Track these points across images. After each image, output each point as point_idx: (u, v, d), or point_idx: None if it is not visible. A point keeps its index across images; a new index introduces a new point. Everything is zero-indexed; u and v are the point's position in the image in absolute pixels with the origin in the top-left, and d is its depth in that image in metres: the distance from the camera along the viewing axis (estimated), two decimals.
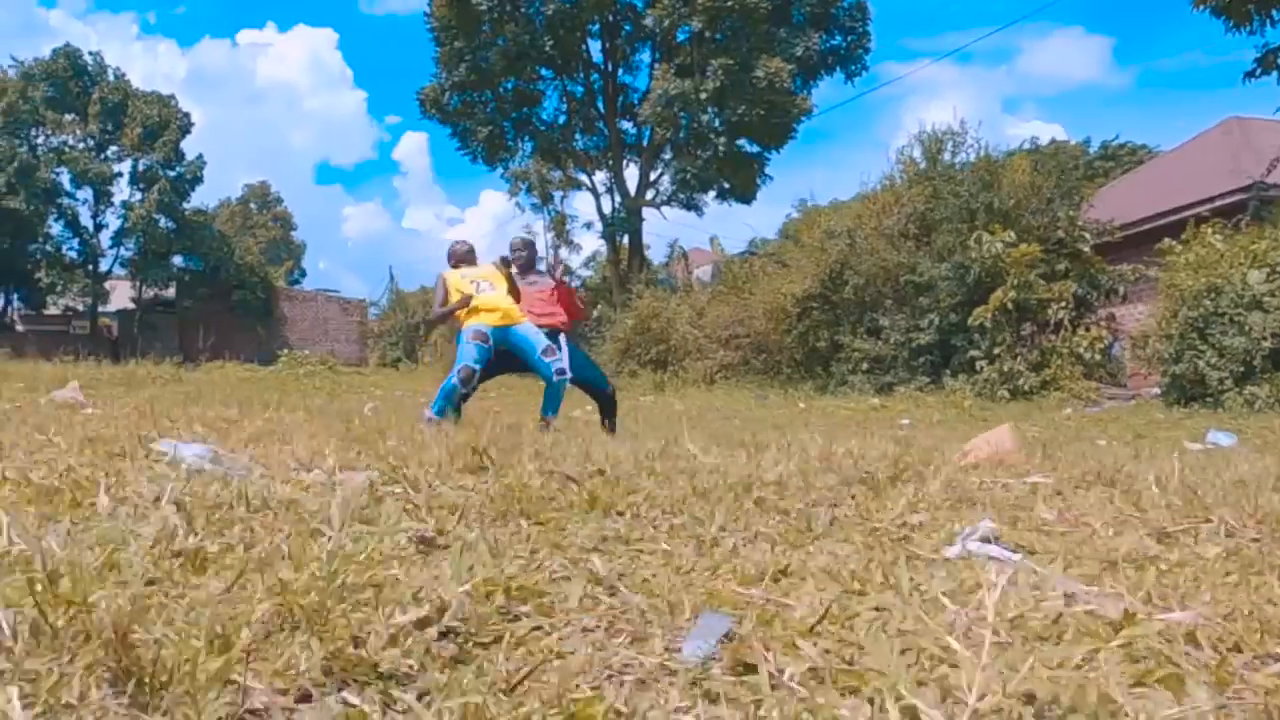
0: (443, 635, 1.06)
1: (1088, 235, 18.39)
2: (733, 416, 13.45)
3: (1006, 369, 17.11)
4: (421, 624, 1.07)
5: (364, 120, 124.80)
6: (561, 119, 31.68)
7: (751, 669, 0.98)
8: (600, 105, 31.45)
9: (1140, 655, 0.98)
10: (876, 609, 1.17)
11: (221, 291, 38.49)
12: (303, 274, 61.50)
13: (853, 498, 2.05)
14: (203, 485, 1.75)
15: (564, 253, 35.54)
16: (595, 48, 31.06)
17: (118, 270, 39.01)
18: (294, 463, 2.20)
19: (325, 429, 4.16)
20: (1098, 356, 17.41)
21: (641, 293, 25.93)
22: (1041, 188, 18.59)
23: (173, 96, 38.17)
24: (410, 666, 0.97)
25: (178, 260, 38.83)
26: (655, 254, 36.38)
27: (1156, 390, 15.66)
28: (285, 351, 28.81)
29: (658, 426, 9.38)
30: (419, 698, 0.87)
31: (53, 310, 39.09)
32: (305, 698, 0.89)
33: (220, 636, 0.94)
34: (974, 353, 17.74)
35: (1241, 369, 13.39)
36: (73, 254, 37.83)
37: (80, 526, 1.35)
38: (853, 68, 29.35)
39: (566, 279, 8.08)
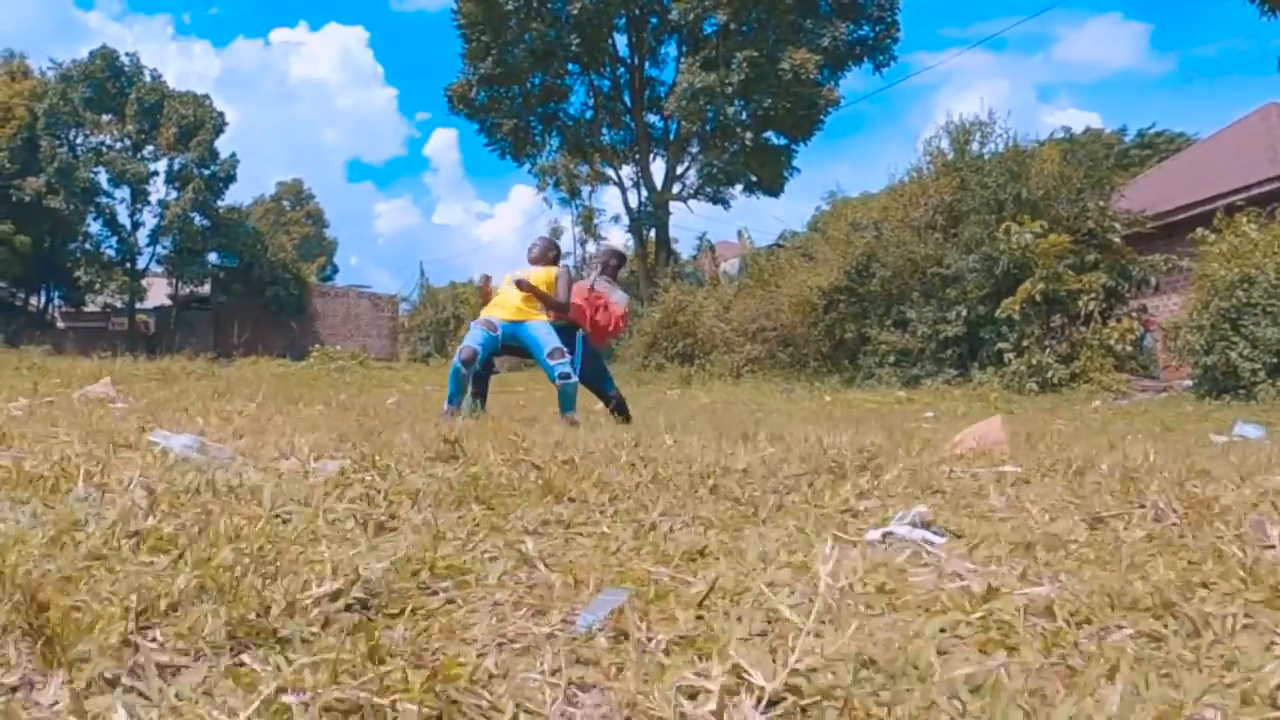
0: (354, 607, 1.14)
1: (1118, 225, 18.14)
2: (756, 410, 13.45)
3: (1035, 361, 16.92)
4: (335, 596, 1.14)
5: (395, 117, 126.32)
6: (588, 113, 31.76)
7: (628, 637, 1.04)
8: (627, 99, 31.48)
9: (992, 626, 1.04)
10: (770, 584, 1.23)
11: (255, 288, 39.12)
12: (335, 270, 62.39)
13: (810, 485, 2.10)
14: (180, 473, 1.85)
15: (590, 247, 35.63)
16: (621, 42, 31.12)
17: (154, 268, 39.80)
18: (276, 452, 2.30)
19: (334, 422, 4.27)
20: (1128, 348, 17.16)
21: (668, 286, 25.97)
22: (1071, 178, 18.35)
23: (207, 96, 38.85)
24: (311, 633, 1.04)
25: (213, 257, 39.57)
26: (684, 247, 36.40)
27: (1189, 382, 15.43)
28: (317, 347, 29.19)
29: (678, 420, 9.42)
30: (310, 662, 0.95)
31: (92, 307, 39.95)
32: (206, 659, 0.97)
33: (139, 605, 1.02)
34: (1002, 345, 17.56)
35: (1275, 360, 13.15)
36: (111, 252, 38.67)
37: (50, 508, 1.45)
38: (880, 58, 29.09)
39: (624, 307, 8.01)
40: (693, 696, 0.88)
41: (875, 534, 1.56)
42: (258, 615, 1.05)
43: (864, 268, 20.37)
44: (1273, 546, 1.50)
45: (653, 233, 31.62)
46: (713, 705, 0.83)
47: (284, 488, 1.72)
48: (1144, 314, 18.46)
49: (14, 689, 0.87)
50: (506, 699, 0.87)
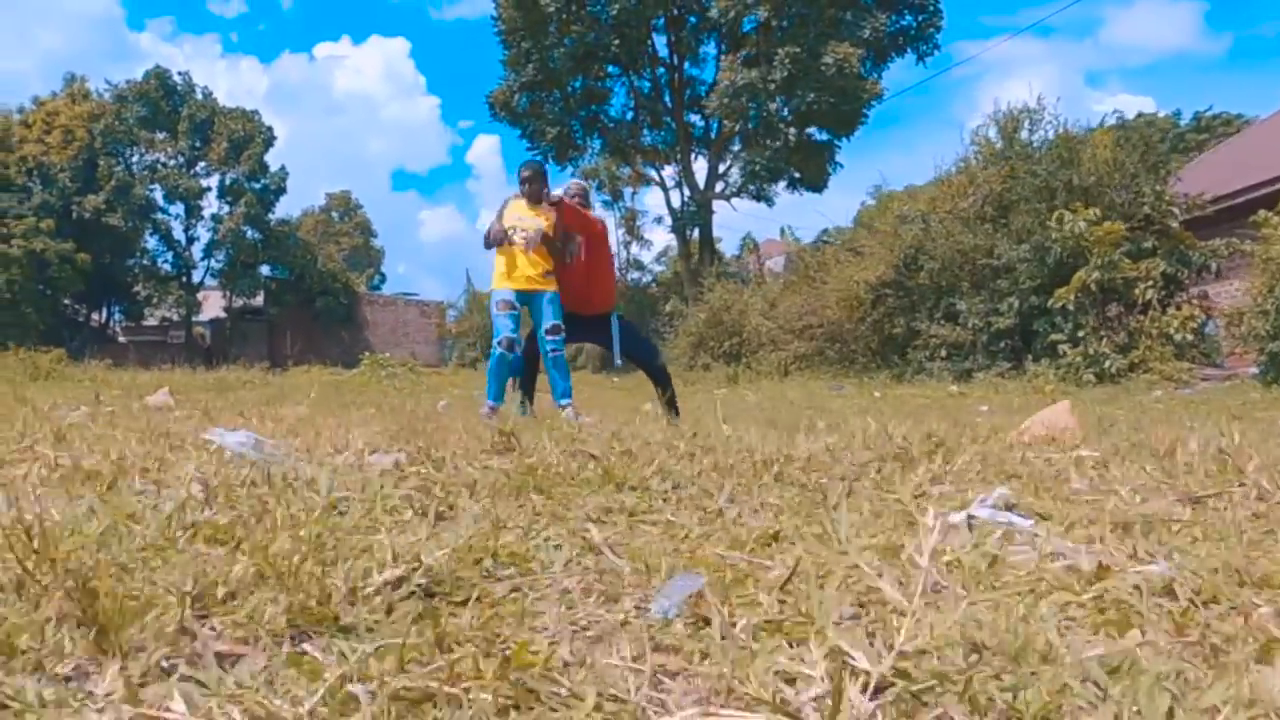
0: (417, 594, 1.09)
1: (1176, 210, 17.62)
2: (806, 407, 13.27)
3: (1091, 352, 16.49)
4: (397, 583, 1.10)
5: (437, 126, 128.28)
6: (629, 115, 31.77)
7: (709, 623, 0.98)
8: (667, 100, 31.42)
9: (1107, 606, 0.95)
10: (854, 567, 1.16)
11: (306, 299, 39.76)
12: (382, 279, 63.15)
13: (878, 472, 2.02)
14: (236, 468, 1.83)
15: (635, 249, 35.70)
16: (661, 42, 31.09)
17: (209, 281, 40.66)
18: (330, 448, 2.27)
19: (386, 422, 4.26)
20: (1189, 336, 16.62)
21: (713, 285, 25.85)
22: (1125, 163, 17.88)
23: (256, 111, 39.59)
24: (374, 621, 1.00)
25: (265, 270, 40.27)
26: (727, 246, 36.30)
27: (1255, 369, 14.92)
28: (367, 354, 29.53)
29: (728, 417, 9.29)
30: (375, 650, 0.90)
31: (150, 321, 40.94)
32: (266, 647, 0.93)
33: (194, 593, 0.99)
34: (1056, 336, 17.16)
35: None
36: (167, 267, 39.59)
37: (106, 503, 1.43)
38: (924, 48, 28.65)
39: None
40: (790, 681, 0.81)
41: (958, 517, 1.48)
42: (319, 602, 1.01)
43: (912, 260, 20.08)
44: None
45: (696, 232, 31.51)
46: (816, 690, 0.76)
47: (340, 479, 1.68)
48: (1205, 300, 17.90)
49: (67, 678, 0.84)
50: (587, 686, 0.81)
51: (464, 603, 1.08)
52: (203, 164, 39.10)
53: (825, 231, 34.49)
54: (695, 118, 31.32)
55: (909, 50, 28.67)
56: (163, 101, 38.19)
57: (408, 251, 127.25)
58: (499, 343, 6.45)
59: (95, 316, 40.94)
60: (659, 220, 34.41)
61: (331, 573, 1.08)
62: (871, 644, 0.83)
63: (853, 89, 26.00)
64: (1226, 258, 17.28)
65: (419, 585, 1.09)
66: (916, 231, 20.24)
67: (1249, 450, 1.91)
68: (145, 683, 0.81)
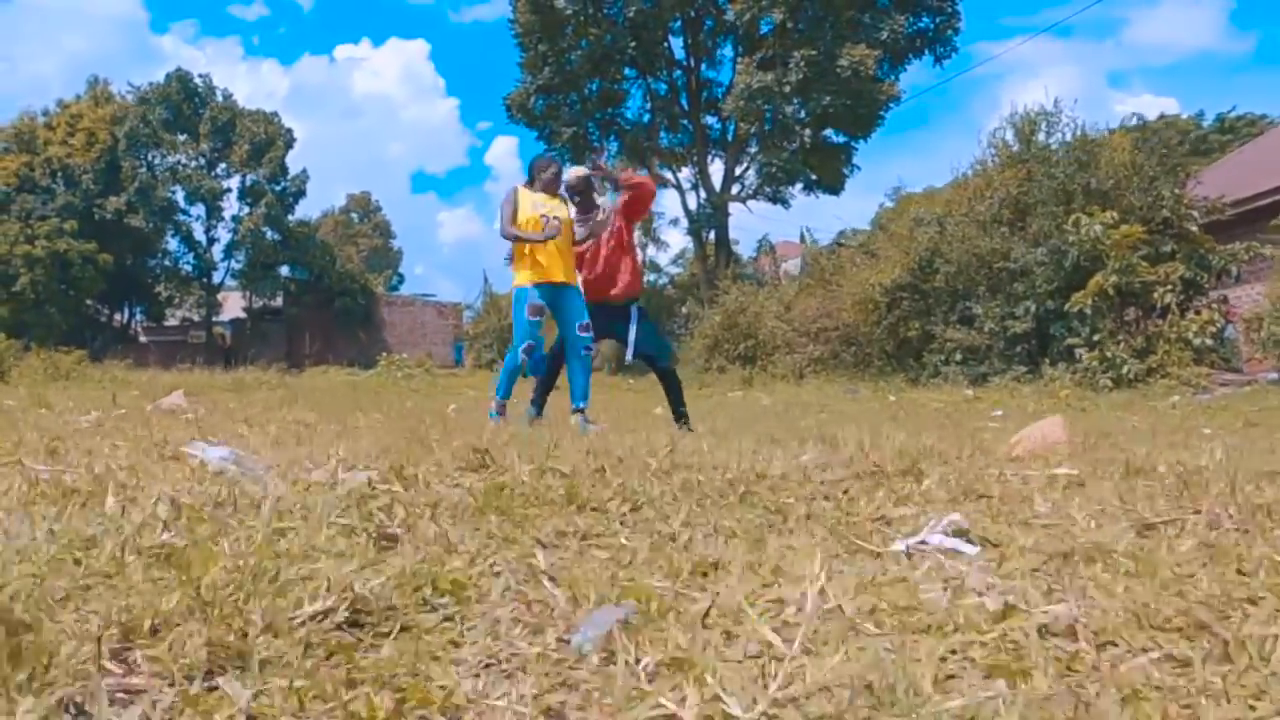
0: (344, 626, 1.11)
1: (1195, 214, 17.43)
2: (819, 411, 13.23)
3: (1108, 356, 16.34)
4: (324, 614, 1.12)
5: (456, 128, 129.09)
6: (645, 117, 31.81)
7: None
8: (684, 102, 31.45)
9: (1005, 648, 0.96)
10: (776, 601, 1.17)
11: (325, 299, 40.10)
12: (401, 279, 63.58)
13: (845, 492, 2.03)
14: (211, 485, 1.86)
15: (651, 250, 35.77)
16: (677, 45, 31.12)
17: (229, 282, 41.08)
18: (309, 464, 2.30)
19: (387, 431, 4.30)
20: (1208, 341, 16.45)
21: (728, 288, 25.82)
22: (1143, 166, 17.71)
23: (276, 114, 40.00)
24: (293, 656, 1.02)
25: (284, 270, 40.64)
26: (745, 249, 36.19)
27: (1274, 375, 14.76)
28: (384, 355, 29.70)
29: (736, 423, 9.29)
30: (289, 685, 0.92)
31: (171, 321, 41.41)
32: (178, 684, 0.95)
33: (127, 625, 1.01)
34: (1073, 340, 17.03)
35: None
36: (188, 268, 40.04)
37: (67, 524, 1.46)
38: (941, 50, 28.52)
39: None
40: None
41: (903, 545, 1.49)
42: (238, 636, 1.03)
43: (928, 264, 19.99)
44: None
45: (712, 234, 31.50)
46: None
47: (292, 500, 1.71)
48: (1225, 305, 17.70)
49: None
50: None
51: (391, 634, 1.10)
52: (223, 165, 39.55)
53: (842, 234, 34.39)
54: (712, 120, 31.34)
55: (926, 52, 28.56)
56: (184, 104, 38.65)
57: (426, 252, 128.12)
58: (525, 349, 6.40)
59: (117, 317, 41.47)
60: (675, 222, 34.45)
61: (251, 605, 1.10)
62: (765, 687, 0.85)
63: (869, 91, 25.92)
64: (1247, 261, 17.11)
65: (346, 617, 1.12)
66: (932, 234, 20.15)
67: (1215, 473, 1.90)
68: None
